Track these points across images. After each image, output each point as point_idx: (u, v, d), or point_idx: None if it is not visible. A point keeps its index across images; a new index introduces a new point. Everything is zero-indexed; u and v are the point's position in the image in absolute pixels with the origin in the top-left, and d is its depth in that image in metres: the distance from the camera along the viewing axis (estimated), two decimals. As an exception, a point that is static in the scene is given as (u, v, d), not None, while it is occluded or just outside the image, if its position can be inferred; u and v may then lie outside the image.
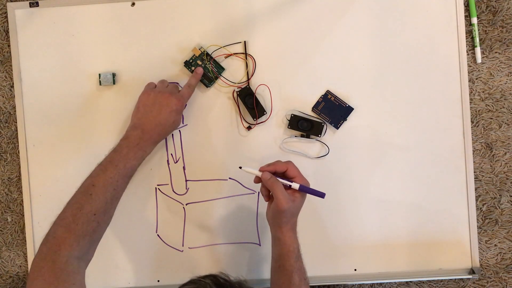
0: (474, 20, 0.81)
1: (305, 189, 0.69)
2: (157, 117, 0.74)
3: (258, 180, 0.70)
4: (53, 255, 0.63)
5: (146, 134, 0.73)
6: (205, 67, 0.81)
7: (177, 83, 0.82)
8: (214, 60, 0.81)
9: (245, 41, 0.81)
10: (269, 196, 0.70)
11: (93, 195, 0.67)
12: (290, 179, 0.69)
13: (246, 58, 0.81)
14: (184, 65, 0.81)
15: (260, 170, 0.70)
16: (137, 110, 0.76)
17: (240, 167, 0.71)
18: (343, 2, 0.81)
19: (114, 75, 0.82)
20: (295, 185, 0.69)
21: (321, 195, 0.70)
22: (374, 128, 0.82)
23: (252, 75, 0.81)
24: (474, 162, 0.82)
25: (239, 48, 0.82)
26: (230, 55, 0.81)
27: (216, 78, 0.81)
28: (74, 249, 0.64)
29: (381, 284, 0.85)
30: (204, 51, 0.81)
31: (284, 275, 0.69)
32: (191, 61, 0.81)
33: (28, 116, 0.84)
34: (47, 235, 0.65)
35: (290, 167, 0.70)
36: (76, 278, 0.63)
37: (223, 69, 0.81)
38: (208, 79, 0.81)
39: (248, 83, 0.81)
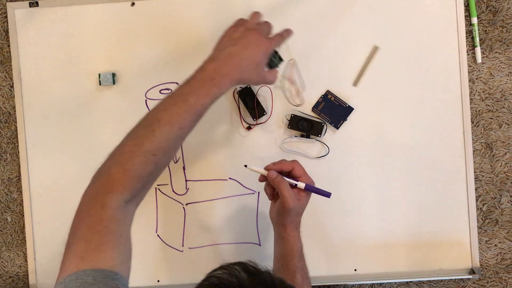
0: (474, 20, 0.81)
1: (311, 189, 0.69)
2: (241, 52, 0.64)
3: (263, 178, 0.70)
4: (103, 197, 0.57)
5: (225, 68, 0.63)
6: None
7: (177, 82, 0.82)
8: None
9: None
10: (273, 195, 0.70)
11: (156, 131, 0.58)
12: (295, 178, 0.69)
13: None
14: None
15: (265, 169, 0.69)
16: (220, 41, 0.67)
17: (246, 166, 0.70)
18: (343, 2, 0.81)
19: (114, 75, 0.82)
20: (301, 184, 0.68)
21: (327, 194, 0.70)
22: (374, 128, 0.82)
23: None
24: (474, 162, 0.82)
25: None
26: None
27: None
28: (127, 192, 0.57)
29: (381, 284, 0.85)
30: None
31: (287, 275, 0.68)
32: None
33: (28, 116, 0.84)
34: (101, 170, 0.59)
35: (296, 166, 0.69)
36: (124, 227, 0.58)
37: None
38: None
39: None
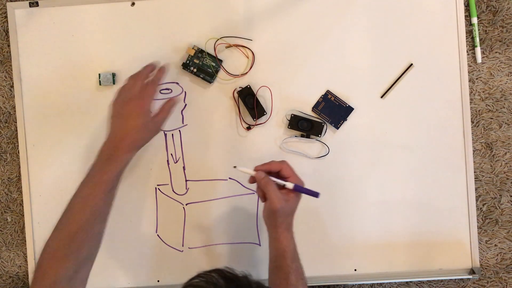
0: (474, 20, 0.81)
1: (299, 189, 0.69)
2: (125, 126, 0.71)
3: (253, 180, 0.71)
4: (39, 284, 0.63)
5: (117, 146, 0.70)
6: (203, 64, 0.81)
7: (177, 82, 0.82)
8: (210, 54, 0.81)
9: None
10: (265, 196, 0.70)
11: (70, 214, 0.67)
12: (285, 179, 0.69)
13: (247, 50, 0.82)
14: (183, 67, 0.81)
15: (254, 170, 0.70)
16: (110, 116, 0.74)
17: (235, 167, 0.71)
18: (343, 2, 0.81)
19: (114, 75, 0.82)
20: (289, 185, 0.69)
21: (315, 194, 0.70)
22: (374, 128, 0.82)
23: (251, 66, 0.81)
24: (474, 162, 0.82)
25: (238, 42, 0.82)
26: (231, 45, 0.81)
27: (217, 71, 0.81)
28: (59, 272, 0.63)
29: (381, 284, 0.85)
30: (197, 48, 0.81)
31: (281, 276, 0.69)
32: (188, 61, 0.81)
33: (28, 116, 0.84)
34: (36, 264, 0.65)
35: (285, 167, 0.70)
36: None
37: (221, 61, 0.81)
38: (209, 75, 0.81)
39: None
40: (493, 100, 0.83)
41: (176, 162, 0.83)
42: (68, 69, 0.83)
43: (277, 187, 0.69)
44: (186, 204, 0.83)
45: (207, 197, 0.83)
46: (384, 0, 0.81)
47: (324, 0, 0.81)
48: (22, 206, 0.85)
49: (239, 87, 0.81)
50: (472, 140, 0.82)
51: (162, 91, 0.82)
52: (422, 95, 0.81)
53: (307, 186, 0.81)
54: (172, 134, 0.83)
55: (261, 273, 0.83)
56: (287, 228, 0.70)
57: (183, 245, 0.84)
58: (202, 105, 0.82)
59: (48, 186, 0.84)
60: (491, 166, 0.83)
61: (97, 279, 0.84)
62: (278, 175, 0.70)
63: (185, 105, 0.82)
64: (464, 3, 0.81)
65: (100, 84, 0.82)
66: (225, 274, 0.57)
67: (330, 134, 0.82)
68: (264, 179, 0.68)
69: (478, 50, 0.82)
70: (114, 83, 0.82)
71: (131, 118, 0.71)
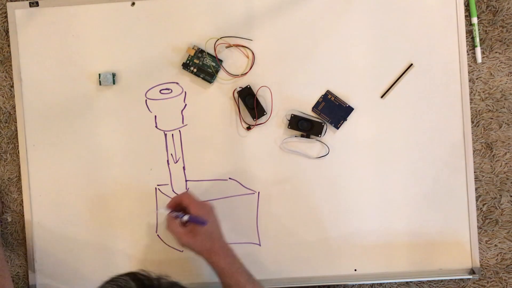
0: (474, 20, 0.81)
1: (192, 220, 0.70)
2: None
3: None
4: None
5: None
6: (203, 64, 0.81)
7: (177, 82, 0.82)
8: (210, 54, 0.81)
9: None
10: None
11: None
12: (187, 209, 0.71)
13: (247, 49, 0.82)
14: (183, 67, 0.81)
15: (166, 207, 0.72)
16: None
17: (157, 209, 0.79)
18: (343, 2, 0.81)
19: (114, 75, 0.82)
20: (185, 218, 0.70)
21: (203, 223, 0.70)
22: (374, 128, 0.82)
23: (251, 66, 0.81)
24: (474, 162, 0.82)
25: (238, 42, 0.82)
26: (231, 45, 0.81)
27: (217, 71, 0.81)
28: None
29: (381, 284, 0.85)
30: (197, 48, 0.81)
31: None
32: (188, 61, 0.81)
33: (28, 116, 0.84)
34: None
35: (184, 198, 0.71)
36: None
37: (221, 61, 0.81)
38: (209, 75, 0.81)
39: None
40: (493, 100, 0.83)
41: (176, 162, 0.83)
42: (68, 69, 0.83)
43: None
44: (186, 204, 0.83)
45: (207, 197, 0.83)
46: (384, 0, 0.81)
47: (324, 0, 0.81)
48: (22, 206, 0.85)
49: (239, 87, 0.81)
50: (472, 140, 0.82)
51: (162, 91, 0.82)
52: (422, 95, 0.81)
53: (308, 185, 0.82)
54: (172, 134, 0.83)
55: (261, 273, 0.83)
56: (221, 254, 0.70)
57: (183, 245, 0.84)
58: (202, 105, 0.82)
59: (48, 186, 0.84)
60: (491, 166, 0.83)
61: (97, 279, 0.84)
62: (182, 207, 0.72)
63: (185, 105, 0.82)
64: (464, 3, 0.81)
65: (100, 84, 0.82)
66: (138, 277, 0.57)
67: (330, 134, 0.82)
68: (167, 218, 0.70)
69: (478, 50, 0.82)
70: (114, 83, 0.82)
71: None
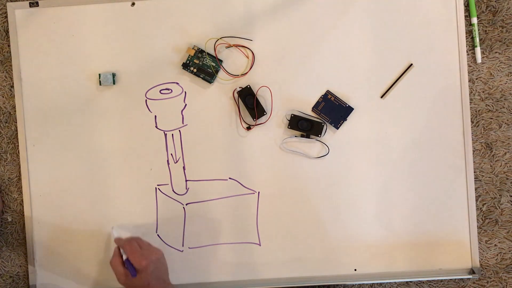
0: (474, 20, 0.81)
1: (126, 264, 0.72)
2: None
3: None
4: None
5: None
6: (203, 64, 0.81)
7: (177, 82, 0.82)
8: (210, 54, 0.81)
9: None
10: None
11: None
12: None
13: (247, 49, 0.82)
14: (183, 68, 0.81)
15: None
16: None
17: (112, 227, 0.81)
18: (343, 2, 0.81)
19: (114, 75, 0.82)
20: (124, 258, 0.73)
21: (132, 273, 0.71)
22: (374, 128, 0.82)
23: (251, 66, 0.81)
24: (474, 162, 0.82)
25: (238, 42, 0.82)
26: (231, 46, 0.81)
27: (217, 71, 0.81)
28: None
29: (381, 284, 0.85)
30: (197, 48, 0.81)
31: None
32: (188, 62, 0.81)
33: (28, 116, 0.84)
34: None
35: (118, 241, 0.75)
36: None
37: (221, 61, 0.81)
38: (209, 75, 0.81)
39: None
40: (493, 100, 0.83)
41: (176, 162, 0.83)
42: (68, 69, 0.83)
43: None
44: (186, 204, 0.83)
45: (207, 197, 0.83)
46: (384, 0, 0.81)
47: (324, 0, 0.81)
48: (22, 206, 0.85)
49: (239, 87, 0.81)
50: (472, 140, 0.82)
51: (162, 91, 0.83)
52: (422, 95, 0.81)
53: (308, 185, 0.82)
54: (172, 134, 0.83)
55: (262, 273, 0.83)
56: None
57: (183, 245, 0.84)
58: (202, 105, 0.82)
59: (48, 186, 0.84)
60: (491, 166, 0.83)
61: (97, 279, 0.84)
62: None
63: (185, 105, 0.82)
64: (464, 3, 0.81)
65: (100, 84, 0.82)
66: None
67: (330, 134, 0.82)
68: (114, 251, 0.74)
69: (478, 50, 0.82)
70: (114, 83, 0.82)
71: None
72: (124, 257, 0.72)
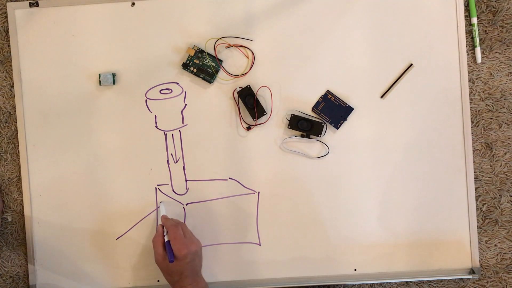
0: (474, 20, 0.81)
1: (166, 247, 0.73)
2: None
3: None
4: None
5: None
6: (203, 64, 0.81)
7: (177, 82, 0.82)
8: (210, 54, 0.81)
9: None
10: None
11: None
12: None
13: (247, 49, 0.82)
14: (183, 68, 0.81)
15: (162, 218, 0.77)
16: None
17: (161, 202, 0.81)
18: (343, 2, 0.81)
19: (114, 75, 0.82)
20: (165, 239, 0.74)
21: (170, 259, 0.72)
22: (374, 128, 0.82)
23: (251, 66, 0.81)
24: (474, 162, 0.82)
25: (238, 42, 0.82)
26: (231, 46, 0.81)
27: (217, 71, 0.81)
28: None
29: (381, 284, 0.85)
30: (197, 48, 0.81)
31: None
32: (188, 62, 0.81)
33: (28, 116, 0.84)
34: None
35: (165, 222, 0.76)
36: None
37: (221, 61, 0.81)
38: (209, 75, 0.81)
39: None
40: (493, 100, 0.83)
41: (176, 162, 0.83)
42: (68, 69, 0.83)
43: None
44: (186, 204, 0.83)
45: (207, 197, 0.83)
46: (384, 0, 0.81)
47: (324, 0, 0.81)
48: (22, 206, 0.85)
49: (239, 87, 0.81)
50: (472, 140, 0.82)
51: (162, 91, 0.83)
52: (422, 95, 0.81)
53: (308, 185, 0.82)
54: (172, 134, 0.83)
55: (262, 273, 0.83)
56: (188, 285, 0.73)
57: (183, 245, 0.84)
58: (202, 105, 0.82)
59: (48, 186, 0.84)
60: (491, 166, 0.83)
61: (97, 279, 0.84)
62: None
63: (185, 105, 0.82)
64: (464, 3, 0.81)
65: (100, 84, 0.82)
66: None
67: (330, 134, 0.82)
68: (157, 230, 0.76)
69: (478, 50, 0.82)
70: (114, 83, 0.82)
71: None
72: (166, 239, 0.73)
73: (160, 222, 0.78)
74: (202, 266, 0.78)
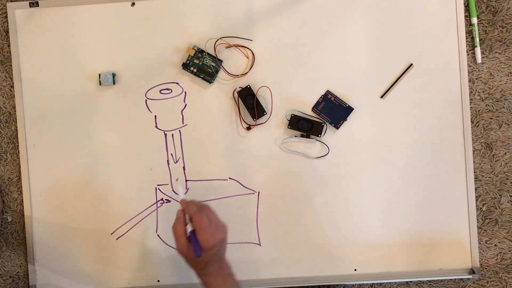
0: (474, 20, 0.81)
1: (191, 239, 0.64)
2: None
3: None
4: None
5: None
6: (203, 64, 0.81)
7: (177, 82, 0.82)
8: (210, 54, 0.81)
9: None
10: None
11: None
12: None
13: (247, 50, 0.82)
14: (183, 68, 0.81)
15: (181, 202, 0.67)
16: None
17: (177, 179, 0.75)
18: (343, 2, 0.81)
19: (114, 75, 0.82)
20: (188, 228, 0.64)
21: (197, 253, 0.63)
22: (374, 128, 0.82)
23: (251, 66, 0.81)
24: (474, 162, 0.82)
25: (238, 42, 0.82)
26: (231, 46, 0.82)
27: (217, 71, 0.81)
28: None
29: (381, 284, 0.85)
30: (197, 48, 0.81)
31: None
32: (188, 62, 0.81)
33: (28, 116, 0.84)
34: None
35: (187, 207, 0.66)
36: None
37: (221, 61, 0.81)
38: (209, 75, 0.81)
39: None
40: (493, 100, 0.83)
41: (176, 162, 0.83)
42: (68, 69, 0.83)
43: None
44: (186, 204, 0.83)
45: (207, 197, 0.83)
46: (384, 0, 0.81)
47: (324, 1, 0.81)
48: (22, 206, 0.85)
49: (239, 87, 0.81)
50: (472, 140, 0.82)
51: (162, 91, 0.83)
52: (422, 95, 0.81)
53: (308, 185, 0.82)
54: (172, 134, 0.83)
55: (262, 272, 0.83)
56: (213, 275, 0.66)
57: (183, 245, 0.84)
58: (202, 105, 0.82)
59: (48, 186, 0.84)
60: (491, 166, 0.83)
61: (97, 279, 0.84)
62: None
63: (185, 105, 0.83)
64: (464, 3, 0.81)
65: (100, 84, 0.82)
66: None
67: (330, 134, 0.82)
68: (177, 216, 0.65)
69: (478, 50, 0.82)
70: (114, 83, 0.82)
71: None
72: (190, 229, 0.64)
73: (179, 207, 0.68)
74: None
